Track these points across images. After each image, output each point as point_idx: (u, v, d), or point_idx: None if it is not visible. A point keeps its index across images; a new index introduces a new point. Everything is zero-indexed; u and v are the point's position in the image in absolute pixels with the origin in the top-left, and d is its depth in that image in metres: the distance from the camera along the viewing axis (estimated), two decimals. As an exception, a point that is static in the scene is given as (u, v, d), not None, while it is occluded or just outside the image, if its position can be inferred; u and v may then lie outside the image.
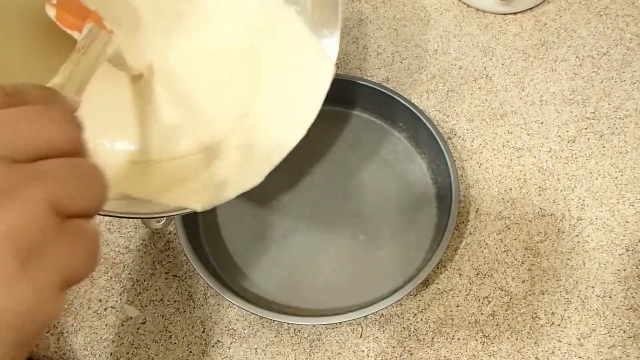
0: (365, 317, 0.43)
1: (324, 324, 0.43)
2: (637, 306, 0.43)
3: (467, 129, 0.51)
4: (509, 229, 0.46)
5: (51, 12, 0.31)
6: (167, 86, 0.39)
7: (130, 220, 0.47)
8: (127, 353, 0.42)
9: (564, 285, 0.44)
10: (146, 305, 0.44)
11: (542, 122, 0.51)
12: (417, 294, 0.44)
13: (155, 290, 0.45)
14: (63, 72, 0.26)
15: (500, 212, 0.47)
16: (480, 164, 0.49)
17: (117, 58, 0.34)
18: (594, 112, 0.51)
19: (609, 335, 0.42)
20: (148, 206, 0.36)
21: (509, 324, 0.43)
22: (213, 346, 0.43)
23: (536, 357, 0.41)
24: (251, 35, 0.39)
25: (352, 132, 0.51)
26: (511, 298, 0.43)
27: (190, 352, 0.42)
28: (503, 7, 0.55)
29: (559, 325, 0.42)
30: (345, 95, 0.50)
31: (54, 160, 0.18)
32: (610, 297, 0.43)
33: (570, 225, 0.46)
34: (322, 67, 0.38)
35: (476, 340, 0.42)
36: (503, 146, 0.50)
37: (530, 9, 0.57)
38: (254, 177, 0.37)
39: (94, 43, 0.31)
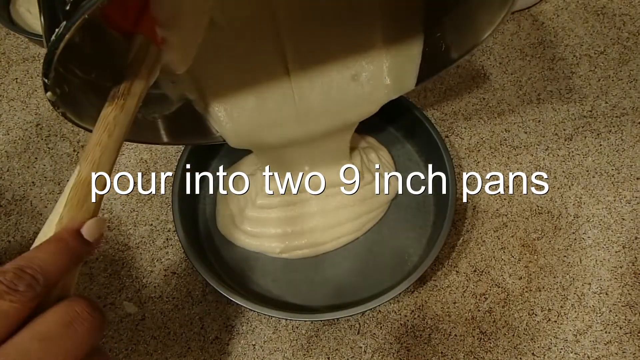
0: (363, 313, 0.43)
1: (321, 321, 0.43)
2: (634, 303, 0.43)
3: (465, 127, 0.51)
4: (506, 226, 0.46)
5: None
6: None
7: (130, 218, 0.47)
8: (126, 349, 0.43)
9: (560, 282, 0.44)
10: (145, 302, 0.44)
11: (539, 121, 0.51)
12: (414, 290, 0.44)
13: (154, 287, 0.45)
14: (92, 151, 0.24)
15: (497, 210, 0.47)
16: (478, 162, 0.49)
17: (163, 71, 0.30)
18: (590, 111, 0.51)
19: (605, 332, 0.42)
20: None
21: (506, 320, 0.43)
22: (211, 342, 0.43)
23: (532, 353, 0.42)
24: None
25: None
26: (508, 295, 0.44)
27: (189, 348, 0.43)
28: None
29: (555, 321, 0.43)
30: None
31: None
32: (606, 293, 0.43)
33: (567, 222, 0.46)
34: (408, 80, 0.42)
35: (473, 336, 0.42)
36: (500, 144, 0.50)
37: (528, 8, 0.57)
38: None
39: (139, 75, 0.26)
